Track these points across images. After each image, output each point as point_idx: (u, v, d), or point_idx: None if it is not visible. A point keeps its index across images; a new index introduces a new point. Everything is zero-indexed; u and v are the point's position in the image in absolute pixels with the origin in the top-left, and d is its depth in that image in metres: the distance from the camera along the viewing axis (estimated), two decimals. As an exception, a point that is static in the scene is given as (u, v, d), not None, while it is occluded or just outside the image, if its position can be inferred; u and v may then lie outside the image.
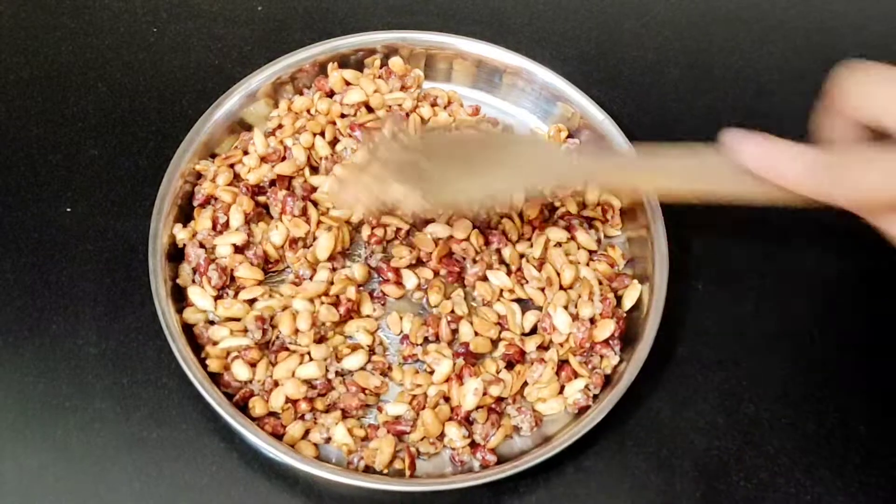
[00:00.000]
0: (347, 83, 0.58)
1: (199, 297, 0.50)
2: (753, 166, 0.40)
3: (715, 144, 0.42)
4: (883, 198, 0.36)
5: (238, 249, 0.52)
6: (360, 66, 0.59)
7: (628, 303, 0.52)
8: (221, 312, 0.50)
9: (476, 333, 0.51)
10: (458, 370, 0.49)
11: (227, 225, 0.52)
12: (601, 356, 0.51)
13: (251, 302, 0.50)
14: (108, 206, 0.55)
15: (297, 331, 0.49)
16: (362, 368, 0.50)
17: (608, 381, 0.50)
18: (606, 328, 0.50)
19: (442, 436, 0.48)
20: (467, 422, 0.48)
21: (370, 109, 0.58)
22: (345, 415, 0.49)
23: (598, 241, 0.55)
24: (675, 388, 0.52)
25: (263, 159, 0.55)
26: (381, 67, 0.60)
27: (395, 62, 0.59)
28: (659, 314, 0.50)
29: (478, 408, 0.48)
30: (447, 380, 0.49)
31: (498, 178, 0.47)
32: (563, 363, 0.51)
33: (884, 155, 0.36)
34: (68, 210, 0.55)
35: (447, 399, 0.49)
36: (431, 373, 0.50)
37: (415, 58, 0.60)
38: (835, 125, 0.40)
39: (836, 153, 0.38)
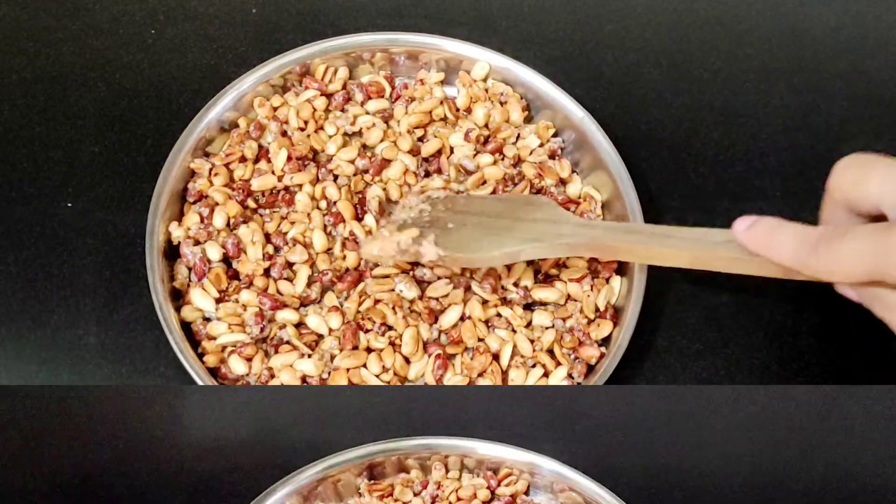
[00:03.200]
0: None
1: (201, 298, 0.50)
2: (754, 246, 0.41)
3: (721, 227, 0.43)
4: (855, 272, 0.36)
5: (227, 256, 0.52)
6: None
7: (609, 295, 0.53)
8: (223, 313, 0.50)
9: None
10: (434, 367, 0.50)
11: (211, 216, 0.52)
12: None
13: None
14: (107, 201, 0.56)
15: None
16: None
17: (591, 370, 0.51)
18: (605, 328, 0.51)
19: None
20: None
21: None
22: None
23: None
24: (655, 377, 0.53)
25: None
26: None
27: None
28: (639, 305, 0.50)
29: None
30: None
31: (510, 239, 0.48)
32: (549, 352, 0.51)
33: (858, 230, 0.36)
34: (69, 205, 0.56)
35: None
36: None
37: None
38: (837, 215, 0.40)
39: (821, 230, 0.38)
